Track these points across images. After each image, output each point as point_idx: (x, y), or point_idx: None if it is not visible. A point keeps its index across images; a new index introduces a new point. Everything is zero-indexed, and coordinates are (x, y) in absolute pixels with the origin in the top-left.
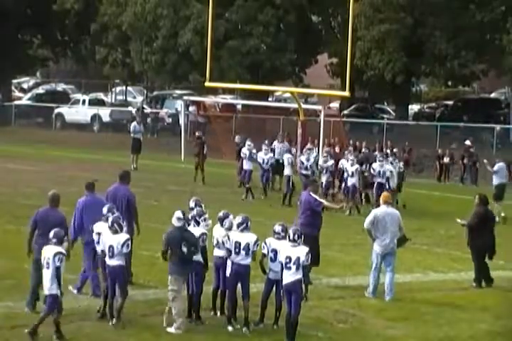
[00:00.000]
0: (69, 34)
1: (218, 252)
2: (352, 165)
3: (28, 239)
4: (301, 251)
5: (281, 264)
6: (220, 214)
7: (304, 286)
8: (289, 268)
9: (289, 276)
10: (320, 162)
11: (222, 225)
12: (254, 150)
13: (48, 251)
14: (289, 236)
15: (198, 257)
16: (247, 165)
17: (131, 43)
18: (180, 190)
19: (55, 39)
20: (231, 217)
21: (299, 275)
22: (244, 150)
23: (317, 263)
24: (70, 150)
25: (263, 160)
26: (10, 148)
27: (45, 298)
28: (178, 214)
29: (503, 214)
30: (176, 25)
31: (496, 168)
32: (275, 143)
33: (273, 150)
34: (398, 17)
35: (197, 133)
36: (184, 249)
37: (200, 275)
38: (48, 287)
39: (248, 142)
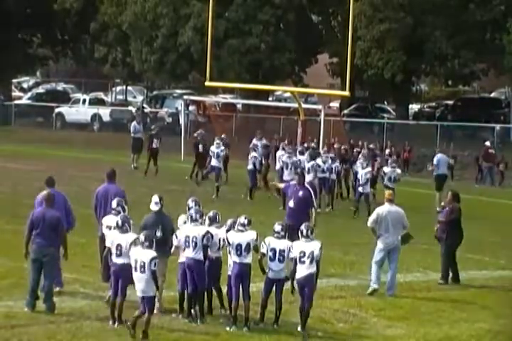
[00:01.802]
0: (69, 33)
1: (213, 253)
2: (308, 161)
3: (25, 240)
4: (315, 246)
5: (295, 259)
6: (211, 214)
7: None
8: (303, 262)
9: (303, 270)
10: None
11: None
12: (222, 148)
13: (142, 255)
14: (301, 232)
15: (199, 255)
16: (216, 163)
17: (131, 42)
18: (181, 190)
19: (55, 38)
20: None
21: (313, 269)
22: (213, 149)
23: None
24: (70, 150)
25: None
26: (10, 148)
27: (141, 299)
28: (155, 198)
29: (442, 203)
30: (175, 24)
31: (435, 160)
32: (254, 140)
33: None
34: (398, 16)
35: (152, 127)
36: (158, 233)
37: (202, 273)
38: (144, 289)
39: (217, 140)
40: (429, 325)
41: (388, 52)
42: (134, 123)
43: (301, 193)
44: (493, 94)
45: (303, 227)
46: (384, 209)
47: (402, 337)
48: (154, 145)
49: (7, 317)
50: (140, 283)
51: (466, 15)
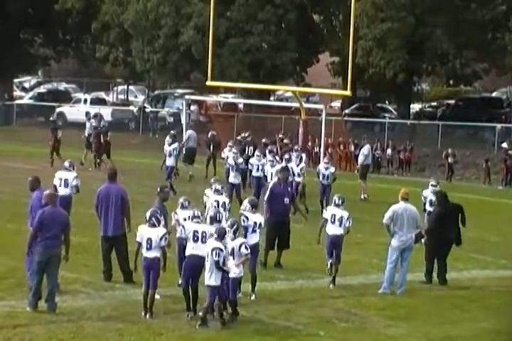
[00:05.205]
0: (70, 33)
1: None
2: (236, 158)
3: (30, 240)
4: (344, 213)
5: (327, 220)
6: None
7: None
8: (333, 223)
9: (334, 229)
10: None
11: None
12: (175, 146)
13: (208, 246)
14: (334, 201)
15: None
16: (169, 162)
17: (132, 42)
18: (182, 189)
19: (56, 38)
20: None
21: (342, 232)
22: (167, 147)
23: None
24: (72, 150)
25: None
26: (11, 147)
27: (206, 288)
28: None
29: (365, 194)
30: (177, 24)
31: (366, 151)
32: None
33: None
34: (400, 16)
35: (51, 118)
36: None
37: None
38: (208, 278)
39: (168, 138)
40: (430, 324)
41: (390, 51)
42: (92, 120)
43: (289, 189)
44: (494, 94)
45: (336, 197)
46: (400, 206)
47: (403, 337)
48: (58, 137)
49: (9, 316)
50: (206, 272)
51: (467, 15)
